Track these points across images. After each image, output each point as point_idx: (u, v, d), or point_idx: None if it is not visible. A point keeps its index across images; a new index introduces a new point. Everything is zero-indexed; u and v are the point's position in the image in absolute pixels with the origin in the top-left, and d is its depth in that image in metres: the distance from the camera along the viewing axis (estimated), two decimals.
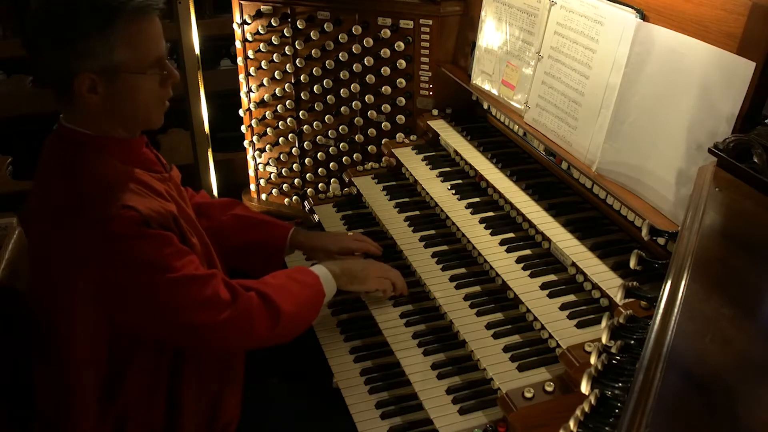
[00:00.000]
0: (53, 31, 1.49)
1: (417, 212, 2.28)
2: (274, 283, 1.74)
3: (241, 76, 2.96)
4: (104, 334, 1.56)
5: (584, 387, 1.06)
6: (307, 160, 2.96)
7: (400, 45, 2.56)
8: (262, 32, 2.80)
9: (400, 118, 2.69)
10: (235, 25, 2.86)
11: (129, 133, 1.64)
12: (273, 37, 2.78)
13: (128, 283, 1.50)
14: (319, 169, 2.96)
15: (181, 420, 1.70)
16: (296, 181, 3.07)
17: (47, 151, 1.64)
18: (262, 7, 2.75)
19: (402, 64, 2.59)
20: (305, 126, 2.89)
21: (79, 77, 1.49)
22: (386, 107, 2.68)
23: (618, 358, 1.11)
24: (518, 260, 1.93)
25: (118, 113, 1.58)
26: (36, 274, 1.66)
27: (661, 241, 1.65)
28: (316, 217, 2.43)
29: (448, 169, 2.40)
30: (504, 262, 1.93)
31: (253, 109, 2.99)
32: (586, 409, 1.01)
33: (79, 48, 1.48)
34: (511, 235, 2.04)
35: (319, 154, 2.92)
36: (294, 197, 3.11)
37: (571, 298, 1.80)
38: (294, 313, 1.71)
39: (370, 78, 2.66)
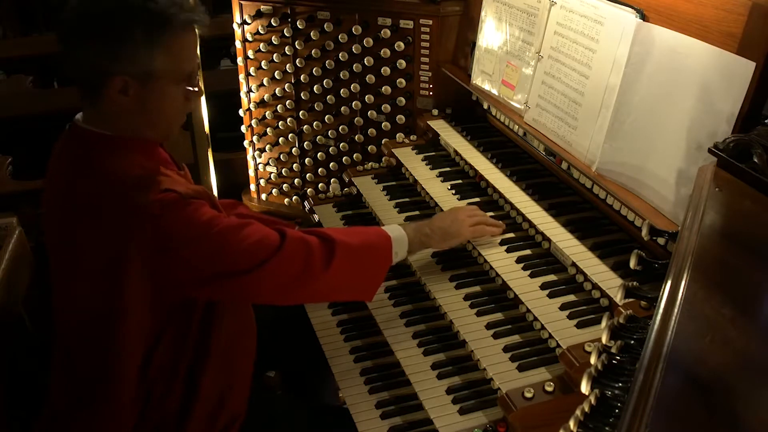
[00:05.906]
0: (98, 31, 1.47)
1: (417, 212, 2.28)
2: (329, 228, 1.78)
3: (241, 76, 2.96)
4: (150, 317, 1.55)
5: (584, 387, 1.06)
6: (307, 160, 2.96)
7: (400, 45, 2.56)
8: (262, 32, 2.80)
9: (400, 118, 2.69)
10: (235, 25, 2.86)
11: (148, 137, 1.64)
12: (273, 37, 2.78)
13: (189, 248, 1.51)
14: (319, 169, 2.96)
15: (194, 406, 1.67)
16: (296, 181, 3.07)
17: (62, 152, 1.62)
18: (262, 7, 2.75)
19: (402, 64, 2.59)
20: (305, 126, 2.89)
21: (114, 78, 1.49)
22: (386, 107, 2.68)
23: (618, 358, 1.10)
24: (518, 260, 1.93)
25: (142, 117, 1.58)
26: (65, 272, 1.62)
27: (661, 241, 1.65)
28: (316, 217, 2.43)
29: (448, 169, 2.40)
30: (504, 262, 1.93)
31: (253, 109, 2.99)
32: (586, 409, 1.01)
33: (122, 51, 1.47)
34: (511, 235, 2.04)
35: (319, 154, 2.92)
36: (294, 197, 3.11)
37: (571, 298, 1.80)
38: (351, 246, 1.70)
39: (370, 78, 2.66)
